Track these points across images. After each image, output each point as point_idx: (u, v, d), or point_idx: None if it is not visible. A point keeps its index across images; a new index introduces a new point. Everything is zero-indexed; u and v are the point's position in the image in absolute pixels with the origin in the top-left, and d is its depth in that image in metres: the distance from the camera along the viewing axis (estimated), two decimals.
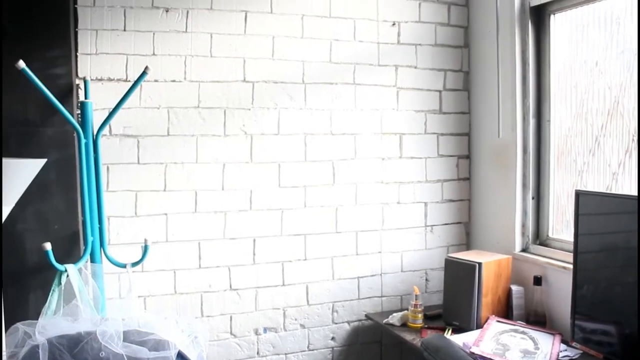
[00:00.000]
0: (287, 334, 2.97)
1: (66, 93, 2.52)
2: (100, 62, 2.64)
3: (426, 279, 3.21)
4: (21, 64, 2.16)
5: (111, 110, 2.51)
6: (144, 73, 2.39)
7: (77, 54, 2.61)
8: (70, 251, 2.53)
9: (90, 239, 2.42)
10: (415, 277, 3.18)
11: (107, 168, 2.65)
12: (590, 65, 2.65)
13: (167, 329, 2.17)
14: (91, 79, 2.61)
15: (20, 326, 2.08)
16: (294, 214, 2.95)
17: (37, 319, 2.16)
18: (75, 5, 2.60)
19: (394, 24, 3.07)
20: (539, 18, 2.85)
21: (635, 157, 2.42)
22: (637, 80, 2.35)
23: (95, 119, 2.53)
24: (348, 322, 3.08)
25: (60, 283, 2.30)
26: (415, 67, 3.12)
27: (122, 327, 2.09)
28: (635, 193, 2.39)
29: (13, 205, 2.20)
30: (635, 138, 2.43)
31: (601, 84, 2.60)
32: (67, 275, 2.31)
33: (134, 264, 2.45)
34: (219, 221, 2.83)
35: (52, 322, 2.13)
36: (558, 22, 2.80)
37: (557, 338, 2.50)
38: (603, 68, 2.59)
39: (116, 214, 2.67)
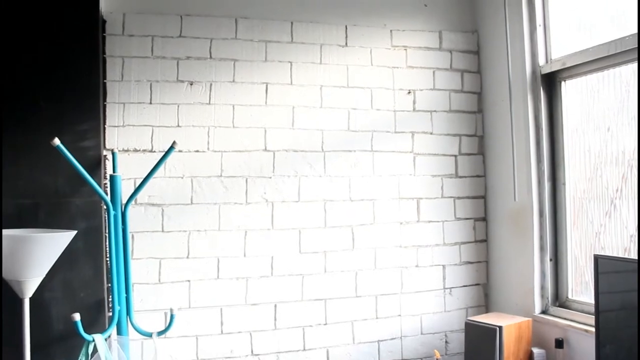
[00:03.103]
0: None
1: (95, 165, 2.61)
2: (127, 134, 2.75)
3: (446, 342, 3.21)
4: (56, 141, 2.26)
5: (137, 181, 2.62)
6: (171, 148, 2.48)
7: (105, 126, 2.71)
8: (95, 319, 2.57)
9: (117, 308, 2.46)
10: (435, 340, 3.18)
11: (132, 236, 2.71)
12: (602, 130, 2.71)
13: None
14: (118, 150, 2.71)
15: None
16: (314, 279, 2.98)
17: None
18: (105, 80, 2.72)
19: (409, 92, 3.18)
20: (550, 85, 2.94)
21: None
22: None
23: (122, 188, 2.61)
24: None
25: (87, 353, 2.33)
26: (431, 133, 3.21)
27: None
28: None
29: (42, 277, 2.26)
30: None
31: (614, 148, 2.66)
32: (94, 345, 2.34)
33: (160, 333, 2.49)
34: (240, 287, 2.87)
35: None
36: (569, 89, 2.89)
37: None
38: (615, 133, 2.65)
39: (140, 281, 2.73)
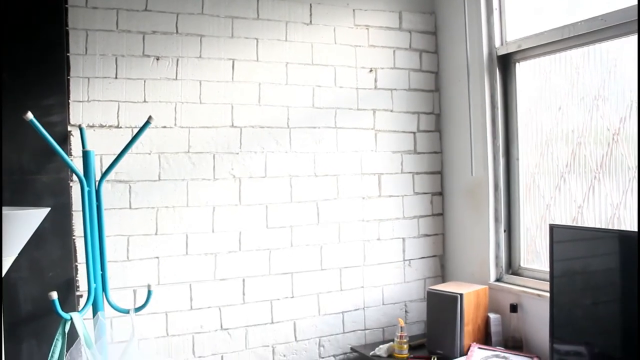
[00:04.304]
0: None
1: (62, 141, 2.55)
2: (92, 109, 2.69)
3: (406, 311, 3.35)
4: (29, 115, 2.18)
5: (104, 157, 2.63)
6: (147, 123, 2.44)
7: (70, 101, 2.64)
8: (65, 298, 2.53)
9: (92, 285, 2.43)
10: (396, 310, 3.32)
11: None
12: (554, 109, 2.90)
13: None
14: (84, 126, 2.65)
15: None
16: (281, 254, 3.04)
17: None
18: (68, 54, 2.64)
19: (371, 70, 3.26)
20: (505, 66, 3.10)
21: (598, 193, 2.67)
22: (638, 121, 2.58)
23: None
24: (334, 356, 3.17)
25: (64, 332, 2.30)
26: (391, 111, 3.31)
27: None
28: (599, 224, 2.65)
29: (15, 256, 2.20)
30: (598, 175, 2.67)
31: (564, 126, 2.84)
32: (71, 324, 2.31)
33: (138, 310, 2.48)
34: (209, 263, 2.89)
35: None
36: (523, 70, 3.05)
37: None
38: (565, 112, 2.84)
39: (108, 258, 2.67)
